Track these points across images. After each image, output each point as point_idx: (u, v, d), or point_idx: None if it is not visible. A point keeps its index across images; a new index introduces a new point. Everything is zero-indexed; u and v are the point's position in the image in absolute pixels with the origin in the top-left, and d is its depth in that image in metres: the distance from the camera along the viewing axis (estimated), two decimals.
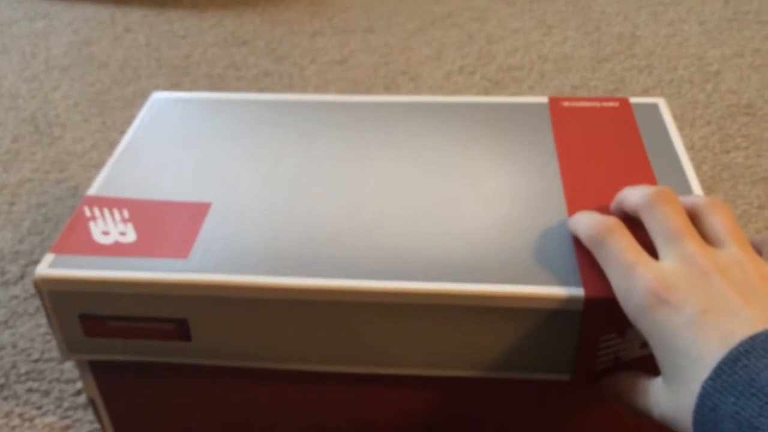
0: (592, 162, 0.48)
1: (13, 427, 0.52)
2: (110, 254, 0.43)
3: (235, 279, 0.41)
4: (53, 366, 0.56)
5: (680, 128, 0.78)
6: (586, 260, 0.41)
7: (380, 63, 0.93)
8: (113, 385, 0.47)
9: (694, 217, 0.39)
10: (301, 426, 0.48)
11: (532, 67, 0.90)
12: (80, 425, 0.52)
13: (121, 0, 1.10)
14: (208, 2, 1.09)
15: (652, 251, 0.38)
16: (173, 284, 0.41)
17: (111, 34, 1.02)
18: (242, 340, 0.43)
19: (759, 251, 0.40)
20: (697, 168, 0.73)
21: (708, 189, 0.71)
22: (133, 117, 0.84)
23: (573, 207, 0.45)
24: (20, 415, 0.53)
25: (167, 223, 0.45)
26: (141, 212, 0.46)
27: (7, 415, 0.53)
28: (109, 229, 0.45)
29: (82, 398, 0.54)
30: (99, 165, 0.77)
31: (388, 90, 0.87)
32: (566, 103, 0.54)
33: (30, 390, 0.55)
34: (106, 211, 0.46)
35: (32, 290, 0.63)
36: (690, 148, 0.76)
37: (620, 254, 0.37)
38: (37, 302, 0.62)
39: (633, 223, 0.41)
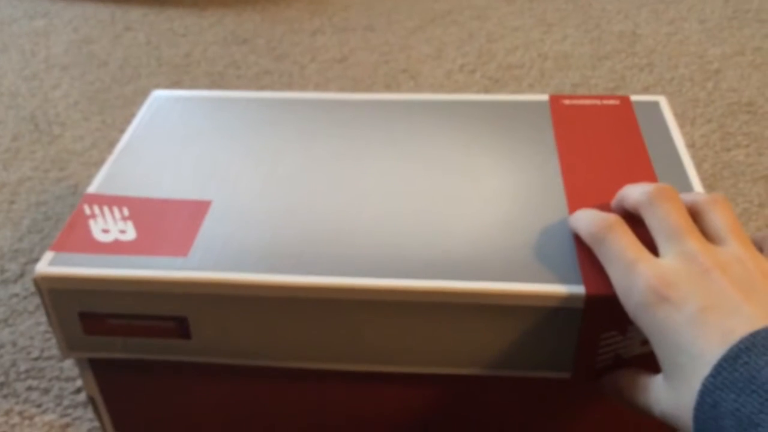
0: (593, 160, 0.48)
1: (13, 425, 0.52)
2: (110, 252, 0.43)
3: (235, 277, 0.41)
4: (53, 364, 0.56)
5: (681, 126, 0.78)
6: (586, 258, 0.41)
7: (380, 61, 0.93)
8: (113, 383, 0.47)
9: (694, 215, 0.39)
10: (301, 424, 0.48)
11: (532, 65, 0.90)
12: (80, 423, 0.52)
13: None
14: (208, 1, 1.09)
15: (653, 249, 0.38)
16: (173, 282, 0.41)
17: (111, 33, 1.02)
18: (242, 338, 0.43)
19: (760, 249, 0.40)
20: (698, 166, 0.73)
21: (709, 187, 0.71)
22: (133, 115, 0.84)
23: (573, 205, 0.45)
24: (20, 413, 0.53)
25: (167, 221, 0.45)
26: (141, 210, 0.46)
27: (7, 413, 0.53)
28: (109, 227, 0.45)
29: (82, 396, 0.54)
30: (99, 163, 0.77)
31: (388, 88, 0.87)
32: (567, 101, 0.54)
33: (30, 388, 0.55)
34: (106, 209, 0.46)
35: (32, 288, 0.63)
36: (691, 146, 0.76)
37: (621, 251, 0.37)
38: (36, 300, 0.62)
39: (634, 220, 0.41)
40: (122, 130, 0.82)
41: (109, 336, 0.43)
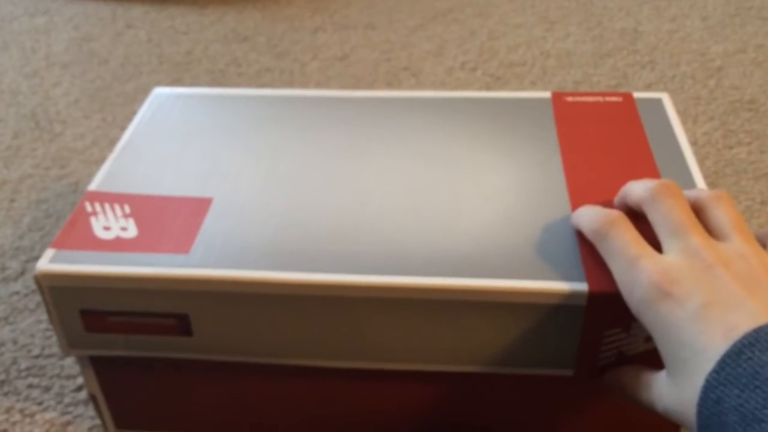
0: (596, 157, 0.48)
1: (14, 423, 0.52)
2: (111, 249, 0.43)
3: (237, 274, 0.41)
4: (54, 362, 0.56)
5: (683, 124, 0.78)
6: (589, 255, 0.41)
7: (381, 59, 0.93)
8: (114, 380, 0.47)
9: (698, 211, 0.39)
10: (303, 421, 0.48)
11: (534, 62, 0.90)
12: (81, 421, 0.52)
13: None
14: None
15: (656, 245, 0.38)
16: (174, 279, 0.41)
17: (112, 31, 1.02)
18: (243, 336, 0.43)
19: (763, 245, 0.40)
20: (700, 164, 0.73)
21: (711, 185, 0.71)
22: (134, 113, 0.84)
23: (576, 202, 0.44)
24: (21, 411, 0.53)
25: (168, 218, 0.45)
26: (142, 207, 0.46)
27: (8, 411, 0.53)
28: (110, 224, 0.45)
29: (83, 394, 0.54)
30: (100, 161, 0.77)
31: (389, 86, 0.87)
32: (569, 98, 0.53)
33: (30, 386, 0.54)
34: (107, 207, 0.46)
35: (33, 286, 0.63)
36: (693, 143, 0.75)
37: (623, 247, 0.37)
38: (37, 298, 0.62)
39: (637, 217, 0.41)
40: (123, 128, 0.82)
41: (110, 333, 0.43)
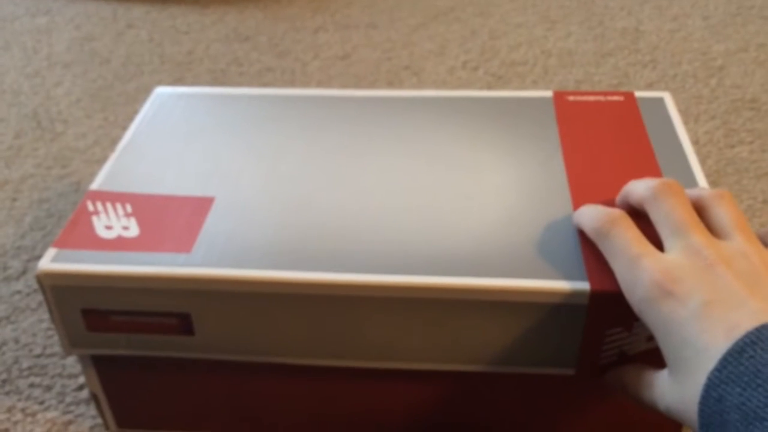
0: (597, 156, 0.48)
1: (15, 422, 0.52)
2: (113, 248, 0.43)
3: (238, 273, 0.41)
4: (55, 361, 0.56)
5: (684, 123, 0.78)
6: (591, 254, 0.41)
7: (383, 58, 0.92)
8: (116, 380, 0.47)
9: (699, 210, 0.39)
10: (304, 420, 0.48)
11: (535, 62, 0.90)
12: (82, 420, 0.52)
13: None
14: None
15: (658, 244, 0.38)
16: (176, 278, 0.41)
17: (113, 30, 1.02)
18: (245, 335, 0.43)
19: (765, 244, 0.40)
20: (702, 163, 0.73)
21: (712, 184, 0.71)
22: (135, 112, 0.84)
23: (578, 201, 0.44)
24: (22, 410, 0.53)
25: (170, 217, 0.45)
26: (144, 207, 0.46)
27: (9, 410, 0.53)
28: (112, 223, 0.45)
29: (85, 393, 0.54)
30: (101, 161, 0.77)
31: (390, 85, 0.87)
32: (571, 97, 0.53)
33: (32, 385, 0.55)
34: (109, 206, 0.46)
35: (34, 285, 0.63)
36: (694, 142, 0.75)
37: (625, 246, 0.37)
38: (39, 297, 0.62)
39: (639, 216, 0.41)
40: (125, 128, 0.82)
41: (112, 333, 0.43)
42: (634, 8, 1.01)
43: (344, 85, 0.87)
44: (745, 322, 0.32)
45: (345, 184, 0.47)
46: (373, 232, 0.43)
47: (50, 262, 0.42)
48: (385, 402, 0.46)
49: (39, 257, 0.65)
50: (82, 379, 0.55)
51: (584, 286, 0.39)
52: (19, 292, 0.62)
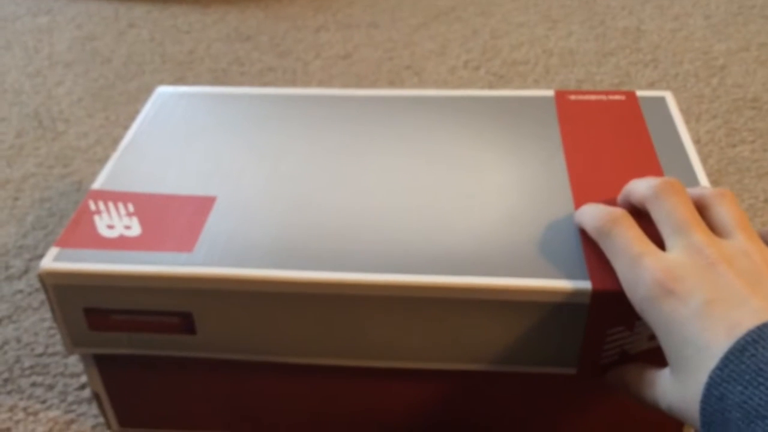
0: (599, 155, 0.48)
1: (18, 421, 0.52)
2: (115, 248, 0.43)
3: (240, 272, 0.41)
4: (57, 360, 0.56)
5: (686, 122, 0.78)
6: (592, 253, 0.41)
7: (384, 58, 0.93)
8: (118, 378, 0.47)
9: (701, 208, 0.39)
10: (306, 419, 0.48)
11: (537, 61, 0.90)
12: (84, 419, 0.52)
13: None
14: None
15: (660, 243, 0.38)
16: (178, 278, 0.41)
17: (114, 30, 1.02)
18: (247, 334, 0.43)
19: (766, 243, 0.40)
20: (703, 162, 0.73)
21: (714, 183, 0.71)
22: (137, 112, 0.84)
23: (579, 200, 0.44)
24: (24, 409, 0.53)
25: (172, 216, 0.45)
26: (146, 206, 0.46)
27: (12, 409, 0.53)
28: (114, 222, 0.45)
29: (87, 392, 0.54)
30: (103, 160, 0.77)
31: (392, 85, 0.87)
32: (572, 97, 0.53)
33: (34, 384, 0.55)
34: (110, 205, 0.46)
35: (36, 285, 0.63)
36: (696, 142, 0.75)
37: (627, 245, 0.37)
38: (41, 297, 0.62)
39: (640, 215, 0.41)
40: (126, 127, 0.82)
41: (114, 332, 0.43)
42: (636, 7, 1.01)
43: (345, 85, 0.87)
44: (746, 321, 0.32)
45: (346, 184, 0.47)
46: (374, 231, 0.43)
47: (52, 261, 0.42)
48: (386, 401, 0.46)
49: (41, 256, 0.65)
50: (84, 378, 0.55)
51: (586, 285, 0.39)
52: (21, 291, 0.62)
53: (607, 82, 0.86)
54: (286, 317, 0.42)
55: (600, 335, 0.40)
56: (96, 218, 0.45)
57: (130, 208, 0.46)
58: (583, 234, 0.42)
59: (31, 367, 0.56)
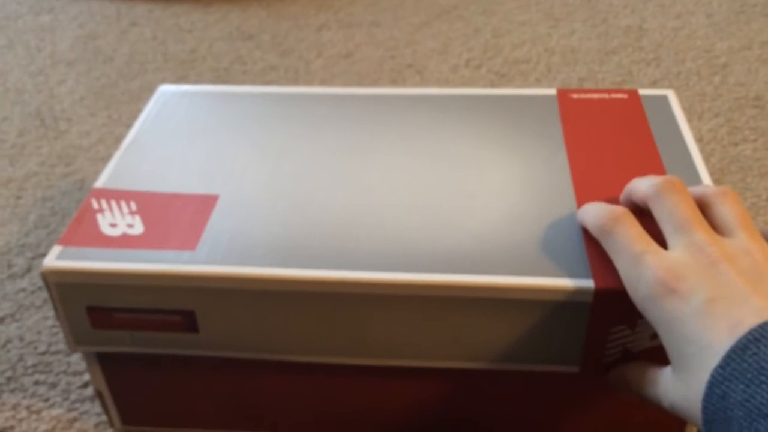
0: (601, 153, 0.48)
1: (21, 420, 0.52)
2: (118, 246, 0.43)
3: (243, 271, 0.41)
4: (60, 358, 0.56)
5: (688, 121, 0.78)
6: (595, 252, 0.41)
7: (386, 57, 0.93)
8: (120, 377, 0.47)
9: (703, 207, 0.39)
10: (308, 418, 0.48)
11: (538, 60, 0.90)
12: (87, 417, 0.52)
13: None
14: None
15: (661, 241, 0.38)
16: (181, 276, 0.41)
17: (117, 29, 1.02)
18: (249, 332, 0.43)
19: None
20: (706, 160, 0.73)
21: (716, 182, 0.71)
22: (139, 111, 0.84)
23: (582, 198, 0.44)
24: (27, 408, 0.53)
25: (175, 215, 0.45)
26: (148, 204, 0.46)
27: (15, 407, 0.53)
28: (117, 221, 0.45)
29: (89, 390, 0.54)
30: (105, 159, 0.77)
31: (394, 83, 0.87)
32: (575, 95, 0.53)
33: (37, 382, 0.55)
34: (113, 203, 0.46)
35: (39, 283, 0.63)
36: (698, 140, 0.75)
37: (628, 243, 0.37)
38: (43, 295, 0.62)
39: (642, 213, 0.41)
40: (128, 126, 0.82)
41: (117, 330, 0.43)
42: (638, 6, 1.01)
43: (347, 84, 0.87)
44: (748, 319, 0.32)
45: (348, 182, 0.47)
46: (376, 229, 0.43)
47: (55, 259, 0.42)
48: (388, 399, 0.46)
49: (43, 255, 0.66)
50: (86, 377, 0.55)
51: (588, 283, 0.39)
52: (23, 289, 0.62)
53: (609, 81, 0.86)
54: (288, 315, 0.42)
55: (602, 334, 0.40)
56: (99, 217, 0.45)
57: (133, 206, 0.46)
58: (586, 232, 0.42)
59: (34, 365, 0.56)
